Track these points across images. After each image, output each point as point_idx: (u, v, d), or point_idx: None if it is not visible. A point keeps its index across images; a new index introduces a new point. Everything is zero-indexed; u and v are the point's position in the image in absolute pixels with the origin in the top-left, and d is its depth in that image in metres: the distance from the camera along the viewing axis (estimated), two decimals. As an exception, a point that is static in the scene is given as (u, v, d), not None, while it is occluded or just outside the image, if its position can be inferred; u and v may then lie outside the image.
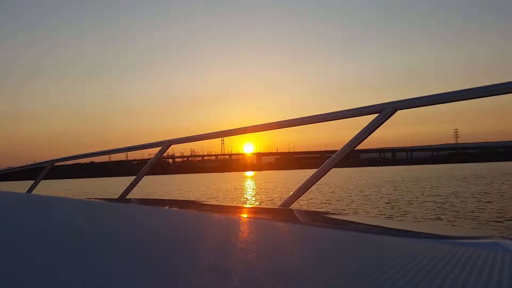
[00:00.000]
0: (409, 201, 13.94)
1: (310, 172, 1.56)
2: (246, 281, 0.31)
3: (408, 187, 20.50)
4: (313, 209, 11.49)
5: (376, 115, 1.43)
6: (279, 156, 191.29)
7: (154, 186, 33.48)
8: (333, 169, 1.52)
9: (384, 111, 1.41)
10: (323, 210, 11.21)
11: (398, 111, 1.42)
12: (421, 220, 9.69)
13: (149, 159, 2.30)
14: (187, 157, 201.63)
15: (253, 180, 44.04)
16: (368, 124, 1.43)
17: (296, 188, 1.55)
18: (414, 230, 0.78)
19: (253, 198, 19.42)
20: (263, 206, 6.89)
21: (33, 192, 2.60)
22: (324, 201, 14.55)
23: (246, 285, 0.30)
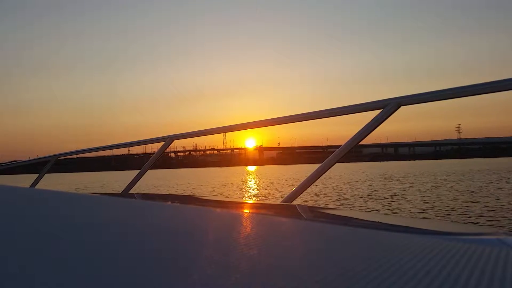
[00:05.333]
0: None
1: (312, 167, 1.54)
2: (248, 276, 0.31)
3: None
4: (316, 204, 11.48)
5: (379, 110, 1.43)
6: (281, 151, 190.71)
7: (155, 180, 33.55)
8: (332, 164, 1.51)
9: (387, 107, 1.41)
10: (326, 206, 11.21)
11: (402, 106, 1.41)
12: (422, 215, 9.69)
13: (151, 153, 2.30)
14: (189, 151, 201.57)
15: (254, 176, 43.97)
16: (372, 119, 1.43)
17: (299, 184, 1.54)
18: (418, 226, 0.78)
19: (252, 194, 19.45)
20: (265, 201, 6.89)
21: (37, 186, 2.60)
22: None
23: (248, 280, 0.30)
